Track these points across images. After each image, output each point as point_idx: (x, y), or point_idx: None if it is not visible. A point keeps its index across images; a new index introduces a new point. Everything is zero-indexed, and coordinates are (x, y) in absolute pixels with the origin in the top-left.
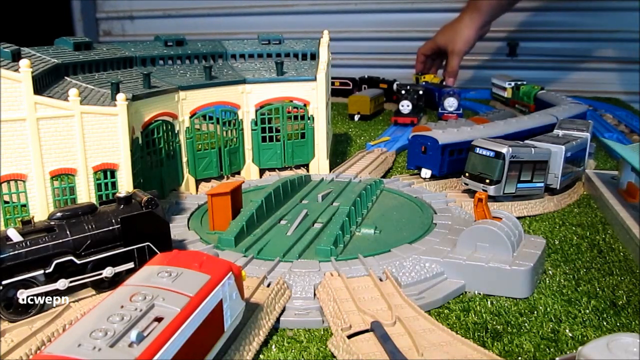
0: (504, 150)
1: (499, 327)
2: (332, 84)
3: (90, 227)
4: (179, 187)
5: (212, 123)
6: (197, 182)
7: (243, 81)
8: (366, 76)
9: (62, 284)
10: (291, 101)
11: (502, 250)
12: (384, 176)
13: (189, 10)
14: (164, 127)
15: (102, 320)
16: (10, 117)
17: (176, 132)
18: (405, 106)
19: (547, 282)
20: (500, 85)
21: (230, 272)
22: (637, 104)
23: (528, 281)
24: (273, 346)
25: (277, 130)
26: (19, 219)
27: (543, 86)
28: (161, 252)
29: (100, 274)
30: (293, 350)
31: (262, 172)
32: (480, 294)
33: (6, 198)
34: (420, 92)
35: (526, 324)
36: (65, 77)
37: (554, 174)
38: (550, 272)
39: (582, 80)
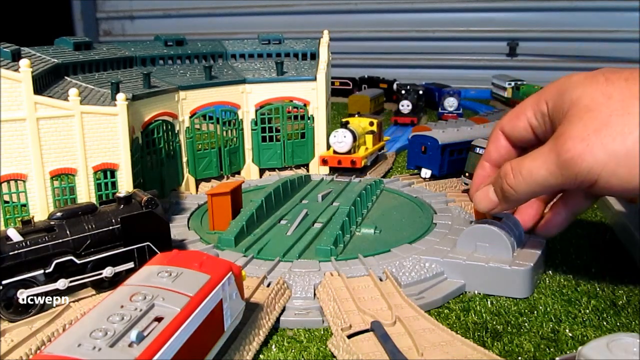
0: None
1: (499, 327)
2: (332, 84)
3: (90, 227)
4: (179, 187)
5: (212, 123)
6: (197, 182)
7: (243, 81)
8: (366, 76)
9: (62, 283)
10: (291, 101)
11: (502, 250)
12: (384, 176)
13: (189, 10)
14: (164, 127)
15: (102, 320)
16: (10, 117)
17: (176, 132)
18: (405, 106)
19: (547, 282)
20: (500, 85)
21: (230, 272)
22: None
23: (528, 281)
24: (273, 346)
25: (277, 130)
26: (19, 219)
27: (543, 86)
28: (161, 252)
29: (100, 273)
30: (293, 350)
31: (262, 172)
32: (480, 294)
33: (6, 198)
34: (420, 92)
35: (526, 324)
36: (65, 77)
37: None
38: (550, 272)
39: None
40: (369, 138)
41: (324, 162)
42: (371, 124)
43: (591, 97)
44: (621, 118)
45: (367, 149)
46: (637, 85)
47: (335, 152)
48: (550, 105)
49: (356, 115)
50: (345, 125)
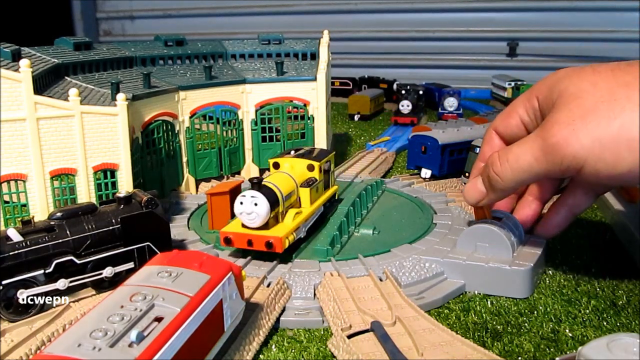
0: None
1: (499, 327)
2: (332, 84)
3: (90, 227)
4: (179, 187)
5: (212, 123)
6: (197, 182)
7: (243, 81)
8: (366, 76)
9: (62, 284)
10: (291, 101)
11: (502, 250)
12: (384, 176)
13: (189, 10)
14: (164, 127)
15: (102, 320)
16: (10, 117)
17: (176, 132)
18: (405, 106)
19: (547, 282)
20: (500, 85)
21: (230, 272)
22: None
23: (528, 281)
24: (273, 346)
25: (277, 130)
26: (19, 219)
27: None
28: (161, 252)
29: (100, 274)
30: (293, 350)
31: (262, 172)
32: (480, 294)
33: (6, 198)
34: (420, 92)
35: (526, 324)
36: (65, 77)
37: None
38: (550, 272)
39: None
40: (305, 193)
41: (226, 241)
42: (310, 167)
43: (578, 86)
44: (607, 104)
45: (298, 213)
46: (623, 75)
47: (244, 225)
48: (540, 99)
49: (291, 153)
50: (258, 184)
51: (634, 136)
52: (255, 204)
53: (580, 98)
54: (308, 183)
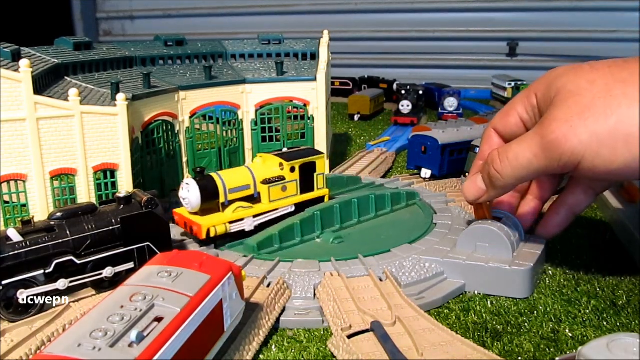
0: None
1: (499, 327)
2: (332, 84)
3: (90, 227)
4: (179, 187)
5: (212, 123)
6: None
7: (243, 81)
8: (366, 76)
9: (62, 284)
10: (291, 101)
11: (502, 250)
12: (383, 176)
13: (189, 10)
14: (164, 127)
15: (102, 320)
16: (10, 117)
17: (176, 132)
18: (405, 106)
19: (547, 282)
20: (500, 85)
21: (230, 272)
22: None
23: (528, 281)
24: (273, 346)
25: (277, 130)
26: (19, 219)
27: None
28: (161, 252)
29: (100, 274)
30: (293, 350)
31: None
32: (480, 294)
33: (6, 198)
34: (420, 92)
35: (526, 324)
36: (65, 77)
37: None
38: (550, 272)
39: None
40: (264, 190)
41: (172, 220)
42: (281, 166)
43: (576, 84)
44: (604, 100)
45: (243, 207)
46: (620, 71)
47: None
48: (539, 96)
49: (284, 149)
50: (200, 173)
51: (630, 131)
52: (188, 191)
53: (578, 95)
54: (270, 181)
